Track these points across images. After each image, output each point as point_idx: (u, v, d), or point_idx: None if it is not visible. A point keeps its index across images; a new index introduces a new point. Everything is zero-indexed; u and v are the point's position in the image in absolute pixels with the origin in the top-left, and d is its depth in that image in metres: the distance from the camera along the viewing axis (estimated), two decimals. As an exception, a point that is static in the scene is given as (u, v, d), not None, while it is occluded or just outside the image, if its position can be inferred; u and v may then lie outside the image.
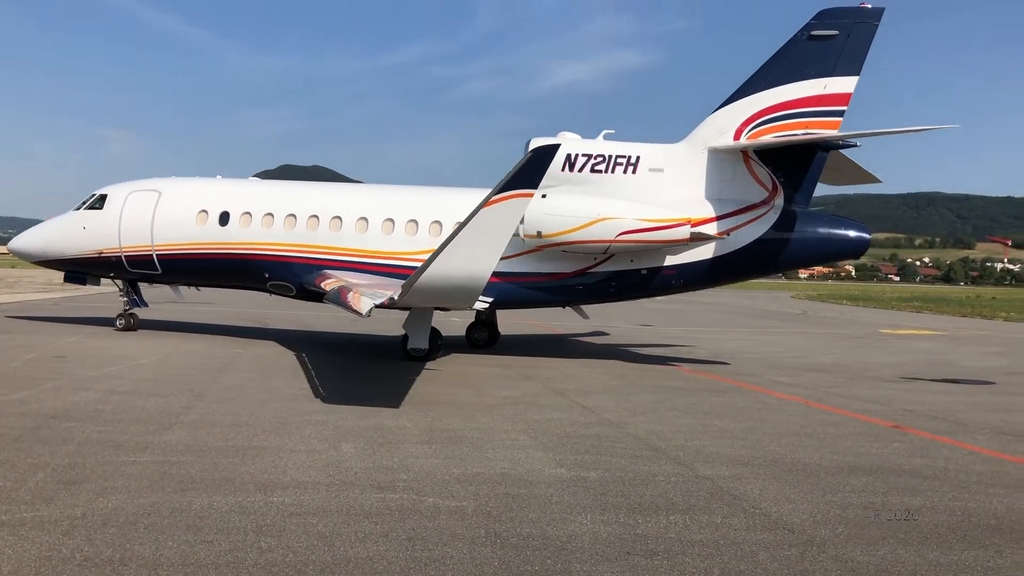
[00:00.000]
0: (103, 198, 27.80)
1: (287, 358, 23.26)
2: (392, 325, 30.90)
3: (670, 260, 24.47)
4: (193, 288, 30.32)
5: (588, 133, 25.27)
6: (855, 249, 24.97)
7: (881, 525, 9.75)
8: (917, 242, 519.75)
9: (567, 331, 37.17)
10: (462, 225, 15.99)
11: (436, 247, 24.69)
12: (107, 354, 22.39)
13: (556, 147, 17.12)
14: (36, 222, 30.52)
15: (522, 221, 23.05)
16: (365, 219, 26.05)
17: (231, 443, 12.56)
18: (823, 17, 23.57)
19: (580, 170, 23.93)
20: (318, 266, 25.61)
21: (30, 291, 51.25)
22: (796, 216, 24.15)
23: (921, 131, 24.27)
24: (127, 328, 28.45)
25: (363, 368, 22.04)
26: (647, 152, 24.31)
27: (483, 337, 28.97)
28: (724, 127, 24.16)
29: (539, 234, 23.57)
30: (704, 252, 24.30)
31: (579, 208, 23.39)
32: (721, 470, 12.16)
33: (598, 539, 8.89)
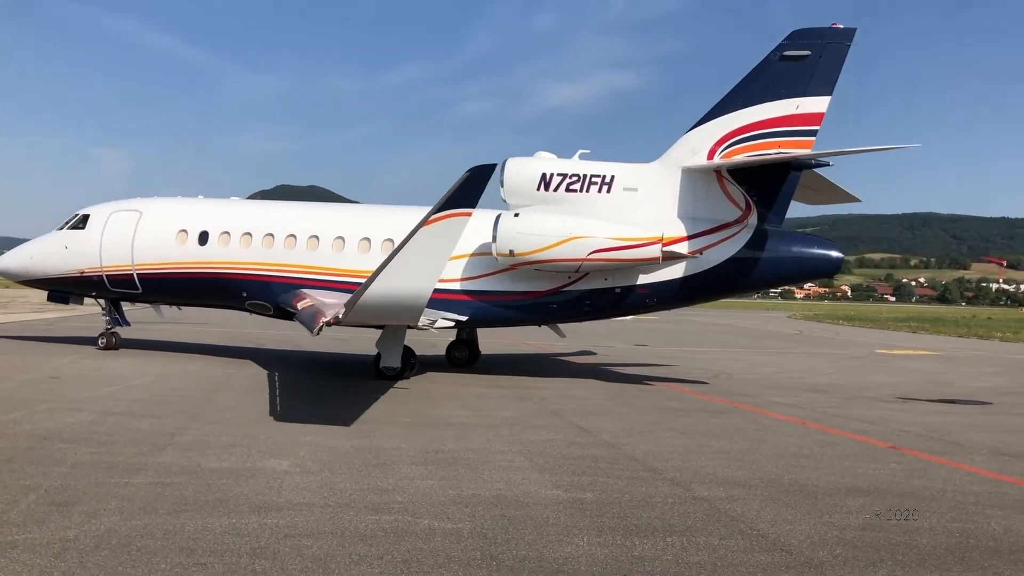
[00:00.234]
0: (85, 218, 28.03)
1: (279, 378, 23.15)
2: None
3: (644, 279, 24.54)
4: (175, 308, 30.35)
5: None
6: (828, 268, 25.05)
7: (879, 547, 9.70)
8: (912, 262, 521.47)
9: (557, 350, 37.09)
10: (402, 244, 16.18)
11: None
12: (101, 375, 22.30)
13: (492, 167, 17.12)
14: (29, 242, 30.47)
15: (495, 240, 23.45)
16: (342, 238, 26.17)
17: (225, 464, 12.48)
18: (795, 37, 23.75)
19: (555, 189, 24.11)
20: (295, 285, 25.66)
21: (24, 311, 51.08)
22: (769, 235, 24.23)
23: (885, 150, 24.30)
24: (108, 347, 28.57)
25: (343, 387, 21.94)
26: (621, 172, 24.49)
27: (463, 356, 29.11)
28: (698, 147, 24.26)
29: (511, 252, 23.65)
30: (677, 271, 24.40)
31: (551, 227, 23.49)
32: (718, 491, 12.10)
33: (595, 561, 8.82)
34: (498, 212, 24.31)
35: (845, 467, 14.20)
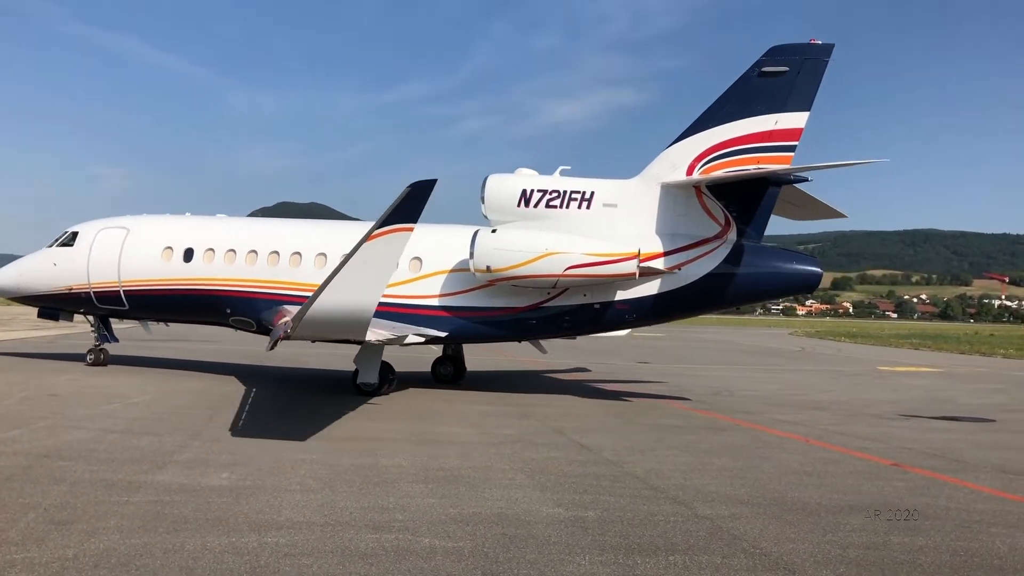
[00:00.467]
0: (75, 235, 28.35)
1: (280, 396, 23.12)
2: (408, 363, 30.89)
3: (623, 294, 24.55)
4: (163, 324, 30.52)
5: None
6: (806, 283, 24.93)
7: (883, 565, 9.63)
8: (914, 279, 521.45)
9: (558, 367, 37.03)
10: (346, 259, 16.25)
11: (391, 281, 25.06)
12: (101, 392, 22.25)
13: (432, 182, 17.11)
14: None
15: (472, 256, 23.61)
16: (323, 255, 26.29)
17: (225, 482, 12.42)
18: (774, 54, 23.81)
19: (536, 206, 24.18)
20: (277, 301, 25.76)
21: (25, 328, 51.12)
22: (748, 250, 24.22)
23: (856, 165, 24.04)
24: (97, 363, 28.80)
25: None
26: (601, 188, 24.54)
27: (448, 372, 29.18)
28: (677, 163, 24.29)
29: (489, 268, 23.73)
30: (656, 286, 24.38)
31: (527, 243, 23.57)
32: (721, 509, 12.03)
33: (597, 580, 8.75)
34: (476, 228, 24.45)
35: (848, 485, 14.13)
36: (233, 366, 31.40)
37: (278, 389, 24.73)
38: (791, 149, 23.58)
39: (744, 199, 24.09)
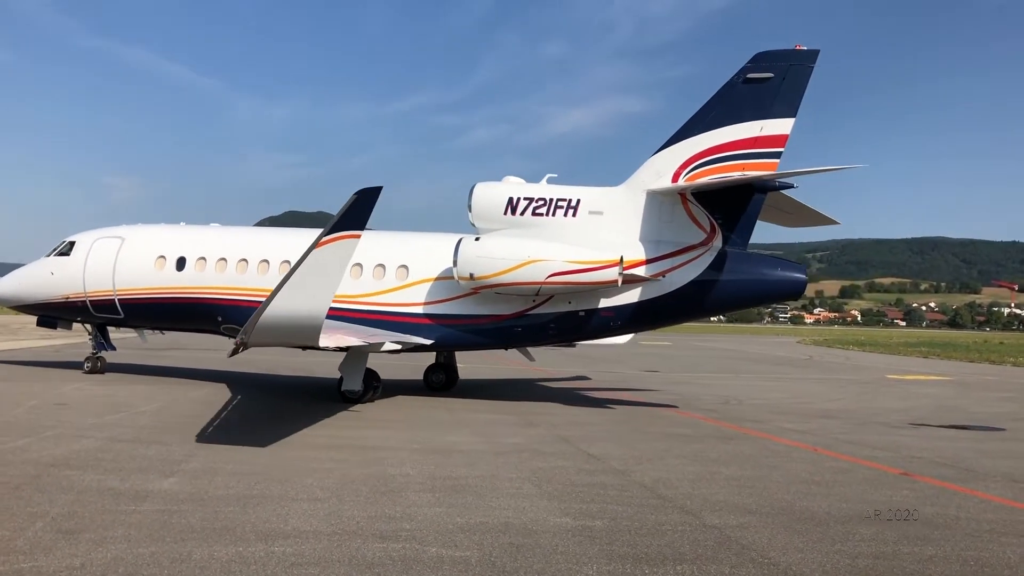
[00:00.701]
0: (72, 245, 28.75)
1: (286, 406, 23.14)
2: (402, 370, 30.87)
3: (608, 302, 24.52)
4: (159, 332, 30.88)
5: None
6: (791, 290, 24.79)
7: (893, 574, 9.56)
8: (923, 287, 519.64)
9: (564, 376, 36.99)
10: (295, 266, 16.38)
11: (378, 289, 25.22)
12: (108, 401, 22.31)
13: (378, 189, 17.11)
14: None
15: (455, 264, 23.74)
16: None
17: (232, 491, 12.43)
18: (759, 60, 23.76)
19: (522, 213, 24.26)
20: None
21: (33, 338, 51.28)
22: (732, 257, 24.19)
23: (832, 171, 23.80)
24: (94, 371, 29.21)
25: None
26: (587, 195, 24.57)
27: (440, 380, 29.27)
28: (663, 170, 24.26)
29: (472, 276, 23.78)
30: (642, 294, 24.38)
31: (509, 250, 23.61)
32: (729, 519, 11.98)
33: (604, 590, 8.72)
34: (460, 236, 24.59)
35: (857, 494, 14.06)
36: (237, 374, 31.45)
37: (266, 397, 24.77)
38: (776, 156, 23.55)
39: (729, 206, 24.07)
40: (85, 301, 28.05)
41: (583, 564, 9.55)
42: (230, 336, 27.50)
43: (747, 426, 22.55)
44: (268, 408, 22.30)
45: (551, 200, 24.29)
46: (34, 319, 30.74)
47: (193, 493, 12.20)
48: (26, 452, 14.82)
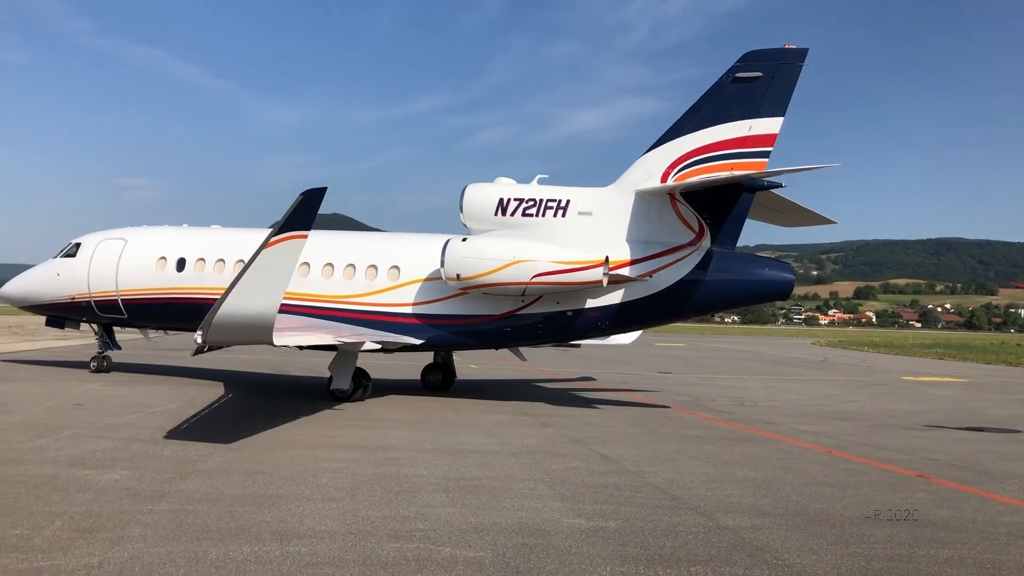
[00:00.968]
0: (77, 246, 29.40)
1: (299, 406, 23.24)
2: (400, 370, 30.93)
3: (595, 302, 24.57)
4: (161, 332, 31.49)
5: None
6: (778, 290, 24.68)
7: (908, 578, 9.53)
8: (938, 288, 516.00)
9: (576, 376, 36.97)
10: (246, 266, 16.62)
11: (370, 290, 25.61)
12: (125, 402, 22.47)
13: (323, 190, 17.33)
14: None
15: (443, 264, 23.95)
16: (307, 264, 26.60)
17: (247, 491, 12.51)
18: (747, 59, 23.66)
19: (512, 214, 24.38)
20: None
21: (50, 338, 51.66)
22: (720, 257, 24.14)
23: (809, 170, 23.61)
24: (100, 370, 29.90)
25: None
26: (577, 196, 24.63)
27: (438, 380, 29.52)
28: (652, 170, 24.23)
29: (459, 276, 23.95)
30: (629, 294, 24.40)
31: (495, 251, 23.75)
32: (743, 520, 11.96)
33: (618, 591, 8.73)
34: (448, 237, 24.81)
35: (872, 496, 14.00)
36: (248, 375, 31.63)
37: (277, 397, 24.92)
38: (765, 155, 23.46)
39: (718, 205, 24.02)
40: (90, 301, 28.64)
41: (596, 565, 9.57)
42: None
43: (761, 428, 22.49)
44: (281, 409, 22.38)
45: (541, 201, 24.43)
46: None
47: (208, 493, 12.29)
48: (44, 452, 14.96)
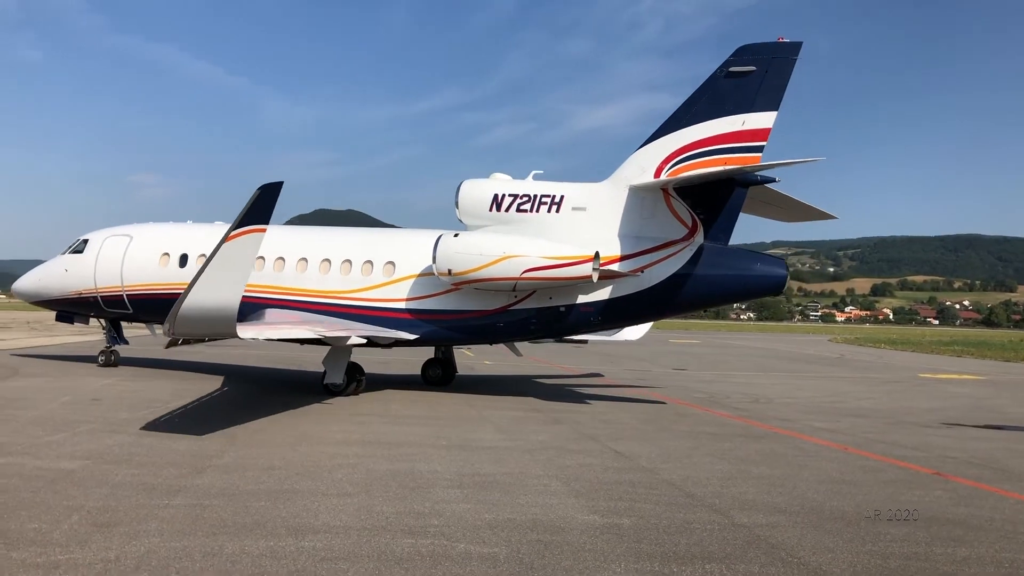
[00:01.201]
0: (85, 242, 30.01)
1: (313, 402, 23.33)
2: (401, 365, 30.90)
3: (588, 297, 24.60)
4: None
5: (536, 173, 25.78)
6: (771, 286, 24.54)
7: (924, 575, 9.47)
8: (956, 285, 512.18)
9: (589, 372, 36.94)
10: (208, 260, 16.79)
11: (366, 285, 26.03)
12: (141, 397, 22.61)
13: (279, 184, 17.36)
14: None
15: (435, 259, 24.14)
16: (305, 259, 27.07)
17: (263, 486, 12.57)
18: (741, 53, 23.51)
19: (507, 210, 24.52)
20: (260, 305, 26.56)
21: (67, 334, 52.08)
22: (713, 252, 24.04)
23: (795, 164, 23.35)
24: (107, 364, 30.52)
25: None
26: (571, 191, 24.67)
27: (438, 374, 29.73)
28: (645, 165, 24.17)
29: (450, 272, 24.10)
30: (620, 289, 24.37)
31: (486, 246, 23.88)
32: (758, 518, 11.91)
33: (632, 588, 8.71)
34: (440, 232, 24.97)
35: (888, 494, 13.91)
36: (261, 370, 31.77)
37: (292, 393, 24.98)
38: (759, 150, 23.30)
39: (711, 200, 23.95)
40: (96, 297, 29.15)
41: (611, 562, 9.55)
42: None
43: (777, 425, 22.39)
44: (296, 404, 22.48)
45: (535, 196, 24.54)
46: None
47: (224, 488, 12.35)
48: (62, 446, 15.08)
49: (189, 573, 8.60)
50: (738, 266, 24.28)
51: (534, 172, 25.76)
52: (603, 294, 24.52)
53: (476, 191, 24.90)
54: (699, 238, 24.02)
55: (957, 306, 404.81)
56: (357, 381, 25.32)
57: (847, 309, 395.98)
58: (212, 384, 26.62)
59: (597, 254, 23.52)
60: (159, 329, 31.45)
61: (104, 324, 30.99)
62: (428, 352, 30.45)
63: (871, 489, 14.25)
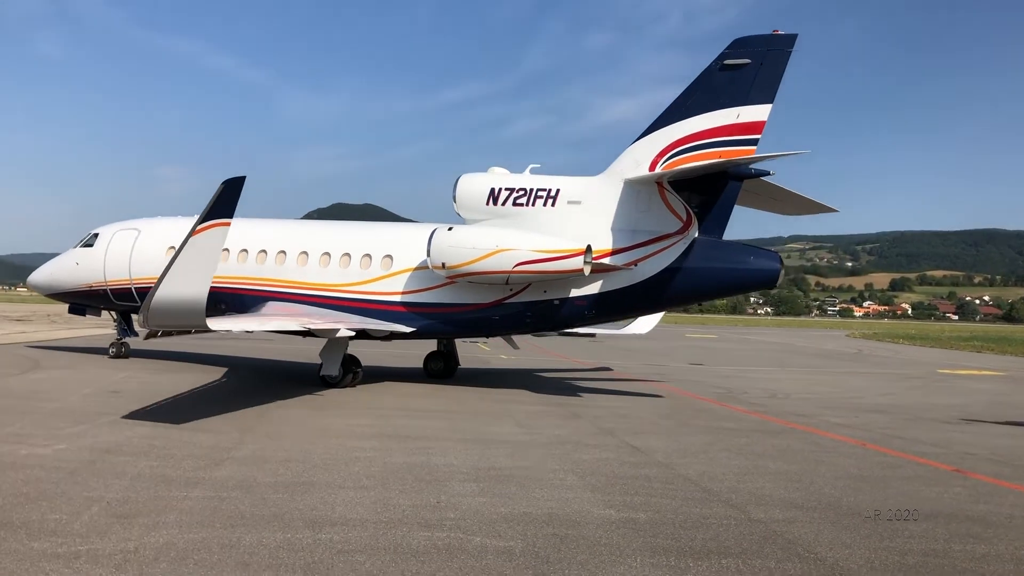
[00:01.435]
0: (95, 236, 30.53)
1: (329, 395, 23.42)
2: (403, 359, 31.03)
3: (581, 291, 24.63)
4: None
5: (533, 166, 25.86)
6: (764, 279, 24.37)
7: (943, 574, 9.41)
8: (976, 280, 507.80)
9: (603, 365, 36.88)
10: (175, 255, 17.00)
11: (365, 278, 26.23)
12: (159, 389, 22.76)
13: (242, 179, 17.50)
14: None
15: (429, 253, 24.35)
16: (305, 253, 27.43)
17: (280, 479, 12.64)
18: (736, 46, 23.37)
19: (503, 204, 24.65)
20: (263, 298, 27.11)
21: (88, 327, 52.47)
22: (707, 246, 23.96)
23: (781, 156, 23.08)
24: (118, 356, 31.02)
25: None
26: (567, 185, 24.71)
27: (439, 367, 29.90)
28: (640, 159, 24.11)
29: (444, 265, 24.23)
30: (614, 282, 24.39)
31: (479, 240, 23.97)
32: (775, 513, 11.87)
33: (648, 583, 8.70)
34: (434, 226, 25.10)
35: (907, 490, 13.83)
36: (275, 363, 31.91)
37: (307, 386, 25.07)
38: (753, 143, 23.17)
39: (705, 193, 23.86)
40: (106, 290, 29.65)
41: (627, 556, 9.55)
42: None
43: (794, 420, 22.30)
44: (313, 397, 22.59)
45: (531, 190, 24.63)
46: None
47: (242, 480, 12.43)
48: (82, 438, 15.22)
49: (207, 564, 8.66)
50: (732, 259, 24.24)
51: (531, 166, 25.88)
52: (597, 287, 24.59)
53: (473, 185, 25.11)
54: (693, 231, 23.98)
55: (977, 301, 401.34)
56: (353, 373, 25.52)
57: (865, 304, 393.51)
58: (229, 377, 26.81)
59: (589, 247, 23.57)
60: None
61: (115, 316, 31.47)
62: (431, 345, 30.65)
63: (889, 485, 14.17)
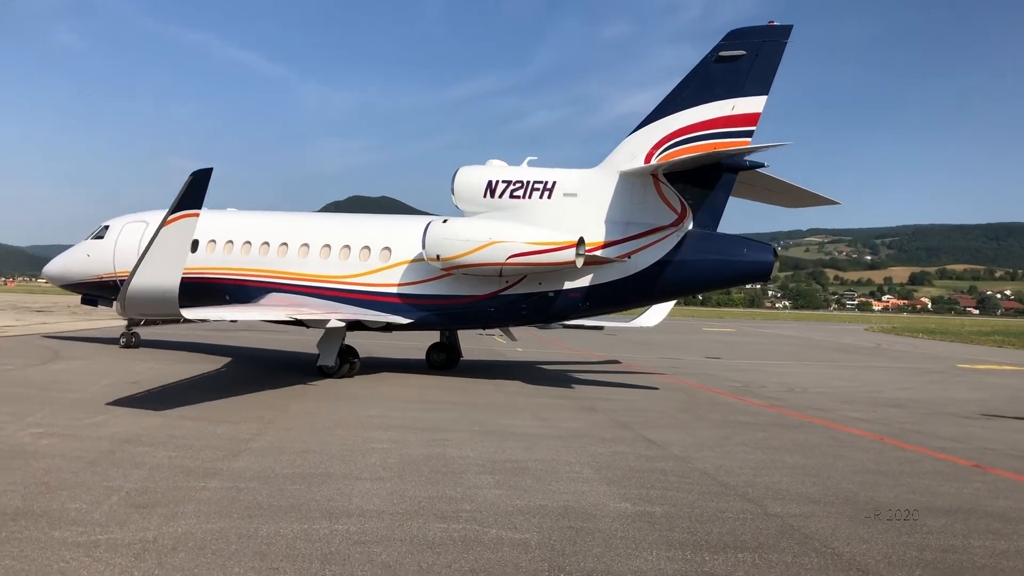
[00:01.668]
0: (106, 228, 31.17)
1: (345, 386, 23.51)
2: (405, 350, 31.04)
3: (576, 283, 24.77)
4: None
5: (531, 159, 25.89)
6: (757, 272, 24.36)
7: (962, 570, 9.35)
8: (998, 274, 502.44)
9: (618, 357, 36.81)
10: (149, 244, 17.30)
11: (364, 270, 26.55)
12: (177, 380, 22.93)
13: (210, 171, 17.74)
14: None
15: (424, 245, 24.56)
16: (306, 245, 27.80)
17: (298, 470, 12.71)
18: (731, 38, 23.28)
19: (500, 196, 24.79)
20: (267, 289, 27.48)
21: (107, 318, 52.92)
22: (700, 238, 23.96)
23: (765, 148, 22.81)
24: (128, 346, 31.82)
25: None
26: (563, 177, 24.82)
27: (441, 359, 30.15)
28: (636, 151, 24.11)
29: (439, 257, 24.46)
30: (608, 274, 24.46)
31: (472, 232, 24.18)
32: (792, 507, 11.82)
33: (664, 576, 8.70)
34: (430, 219, 25.33)
35: (925, 485, 13.74)
36: (290, 354, 32.02)
37: (304, 374, 25.34)
38: (748, 135, 23.10)
39: (700, 185, 23.82)
40: (116, 280, 29.93)
41: (642, 549, 9.54)
42: None
43: (811, 414, 22.18)
44: (330, 388, 22.69)
45: (528, 183, 24.78)
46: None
47: (260, 471, 12.51)
48: (102, 428, 15.36)
49: (225, 554, 8.73)
50: (725, 252, 24.26)
51: (528, 158, 26.00)
52: (591, 279, 24.72)
53: (471, 178, 25.28)
54: (688, 224, 24.00)
55: (998, 296, 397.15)
56: (351, 363, 25.77)
57: (884, 298, 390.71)
58: (243, 368, 26.97)
59: (581, 240, 23.66)
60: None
61: None
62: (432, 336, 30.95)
63: (907, 480, 14.07)
